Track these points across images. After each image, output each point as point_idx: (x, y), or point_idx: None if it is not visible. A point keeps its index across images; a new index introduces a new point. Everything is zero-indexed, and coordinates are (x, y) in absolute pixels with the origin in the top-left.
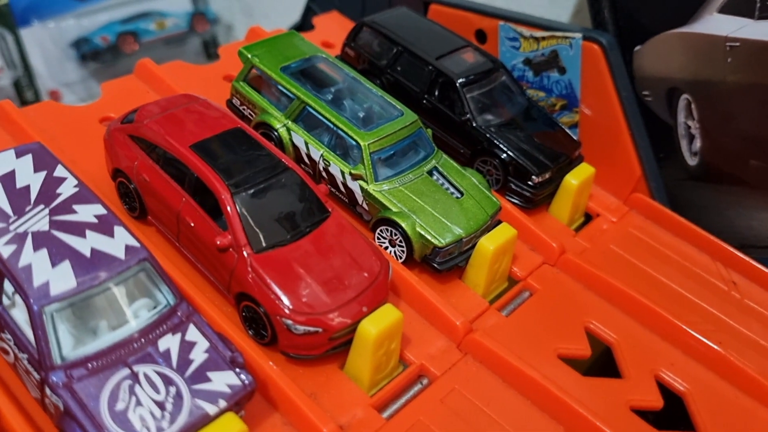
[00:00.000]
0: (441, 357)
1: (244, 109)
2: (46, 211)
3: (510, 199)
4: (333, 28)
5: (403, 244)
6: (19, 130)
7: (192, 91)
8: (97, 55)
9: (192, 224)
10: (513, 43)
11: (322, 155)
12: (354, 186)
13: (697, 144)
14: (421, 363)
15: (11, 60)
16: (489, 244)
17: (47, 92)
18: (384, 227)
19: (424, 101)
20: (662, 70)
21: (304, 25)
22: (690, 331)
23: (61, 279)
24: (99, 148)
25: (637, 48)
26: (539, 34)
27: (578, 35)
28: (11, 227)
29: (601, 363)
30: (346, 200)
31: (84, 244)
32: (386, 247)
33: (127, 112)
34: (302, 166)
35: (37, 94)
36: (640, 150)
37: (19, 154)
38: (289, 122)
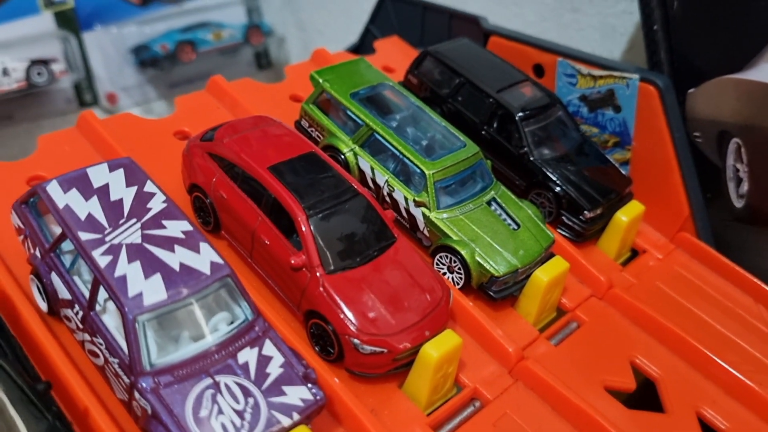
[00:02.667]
0: (493, 382)
1: (312, 130)
2: (138, 224)
3: (561, 232)
4: (394, 53)
5: (462, 272)
6: (99, 139)
7: (260, 110)
8: (156, 62)
9: (267, 242)
10: (570, 79)
11: (387, 181)
12: (416, 212)
13: (745, 187)
14: (474, 386)
15: (75, 62)
16: (543, 276)
17: (105, 95)
18: (444, 254)
19: (483, 132)
20: (715, 114)
21: (362, 46)
22: (731, 370)
23: (153, 291)
24: (172, 161)
25: (691, 90)
26: (597, 72)
27: (635, 76)
28: (107, 238)
29: (638, 396)
30: (408, 225)
31: (173, 259)
32: (444, 273)
33: (207, 129)
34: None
35: (95, 97)
36: (689, 190)
37: (111, 168)
38: (357, 147)
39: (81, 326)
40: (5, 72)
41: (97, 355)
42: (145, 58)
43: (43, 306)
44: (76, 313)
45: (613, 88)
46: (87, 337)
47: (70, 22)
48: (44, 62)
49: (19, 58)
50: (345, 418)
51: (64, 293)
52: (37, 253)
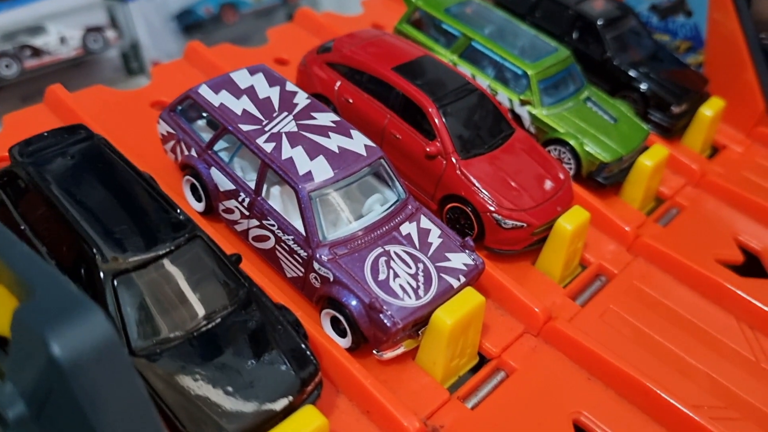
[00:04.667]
0: (614, 258)
1: None
2: (291, 116)
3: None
4: None
5: (571, 162)
6: (209, 65)
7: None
8: (201, 26)
9: (398, 137)
10: None
11: (489, 85)
12: (522, 111)
13: None
14: (599, 263)
15: (123, 30)
16: (647, 160)
17: (150, 62)
18: (552, 147)
19: (564, 42)
20: None
21: None
22: None
23: (321, 170)
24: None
25: None
26: None
27: None
28: (266, 128)
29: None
30: None
31: (331, 143)
32: None
33: (322, 43)
34: None
35: (141, 65)
36: (764, 86)
37: (252, 72)
38: (455, 57)
39: (248, 213)
40: (63, 41)
41: (265, 239)
42: (190, 22)
43: (198, 207)
44: (242, 201)
45: None
46: (254, 222)
47: None
48: (98, 29)
49: (74, 26)
50: (492, 290)
51: (226, 185)
52: (193, 153)
